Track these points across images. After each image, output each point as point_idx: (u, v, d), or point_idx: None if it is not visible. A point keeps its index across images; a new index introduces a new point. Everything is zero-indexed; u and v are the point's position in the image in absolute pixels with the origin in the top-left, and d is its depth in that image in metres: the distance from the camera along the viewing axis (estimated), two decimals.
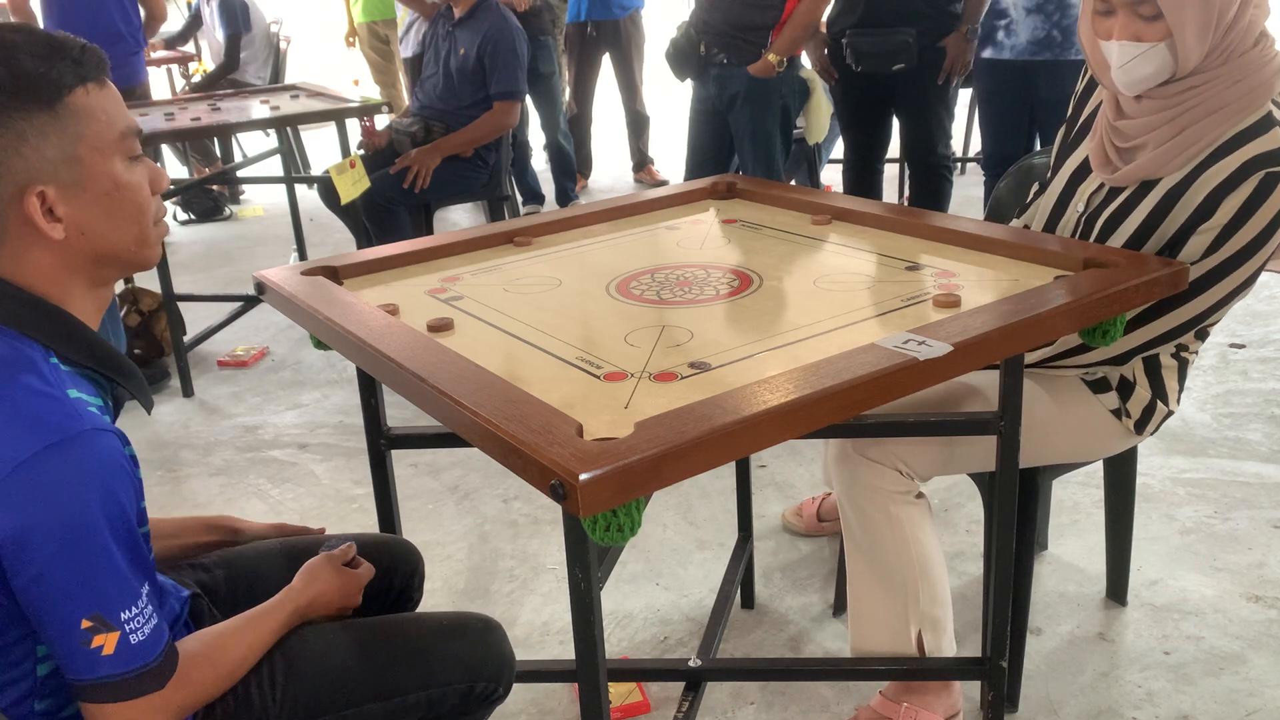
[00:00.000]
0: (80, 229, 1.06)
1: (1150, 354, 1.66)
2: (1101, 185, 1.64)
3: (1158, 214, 1.56)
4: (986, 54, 3.33)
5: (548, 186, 5.45)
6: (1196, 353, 1.73)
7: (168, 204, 4.68)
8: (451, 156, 3.73)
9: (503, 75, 3.68)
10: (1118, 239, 1.60)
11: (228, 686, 1.17)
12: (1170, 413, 1.73)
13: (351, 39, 6.40)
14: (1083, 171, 1.69)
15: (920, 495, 1.71)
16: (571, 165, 5.40)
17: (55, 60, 1.03)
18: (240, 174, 5.02)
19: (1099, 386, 1.69)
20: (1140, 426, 1.72)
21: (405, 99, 5.32)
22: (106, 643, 1.00)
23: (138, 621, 1.02)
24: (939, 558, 1.71)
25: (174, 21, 6.21)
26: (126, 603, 1.02)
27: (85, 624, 1.00)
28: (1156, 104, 1.54)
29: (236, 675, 1.18)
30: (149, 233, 1.12)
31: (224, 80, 5.43)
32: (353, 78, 6.10)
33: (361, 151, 3.82)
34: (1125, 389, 1.69)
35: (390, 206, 3.66)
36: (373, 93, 6.06)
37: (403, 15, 5.40)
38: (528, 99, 5.14)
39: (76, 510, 0.98)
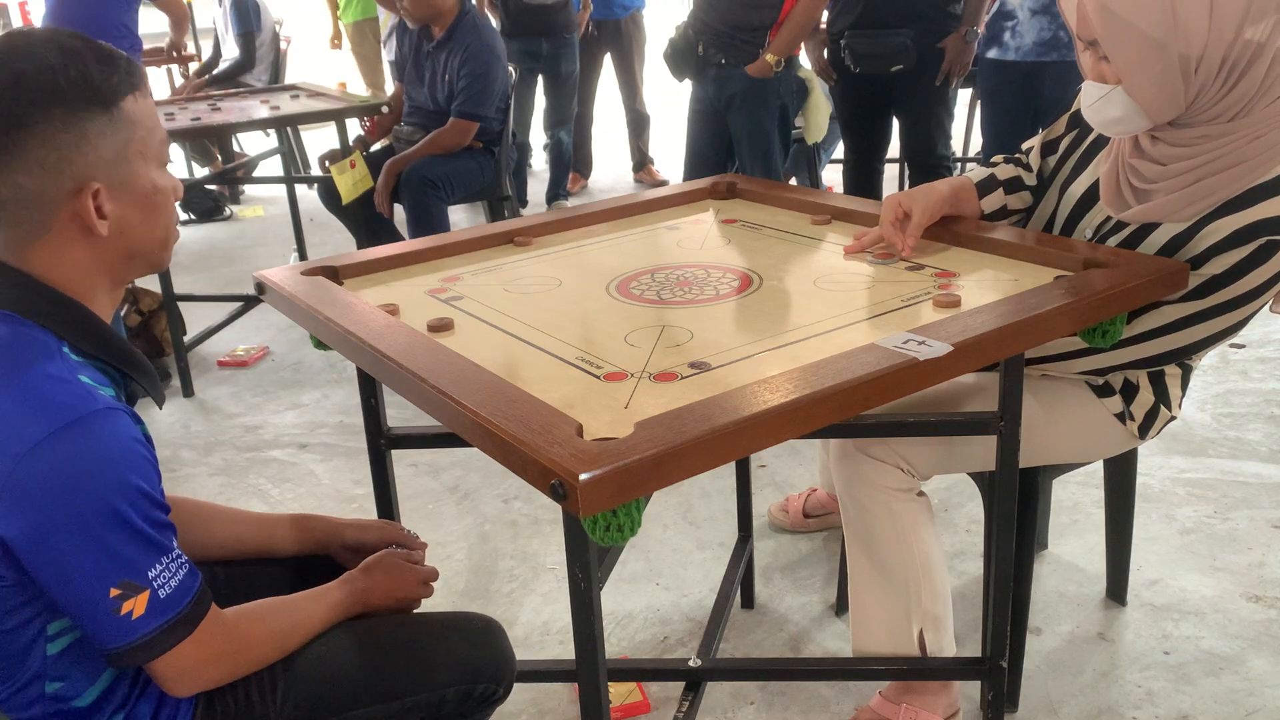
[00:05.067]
0: (120, 228, 1.11)
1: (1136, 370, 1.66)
2: (1109, 216, 1.61)
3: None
4: (992, 54, 3.33)
5: (545, 184, 5.44)
6: (1200, 359, 1.73)
7: None
8: (463, 150, 3.73)
9: (466, 95, 3.65)
10: None
11: (280, 651, 1.19)
12: (1173, 418, 1.73)
13: (337, 41, 6.38)
14: (1091, 198, 1.64)
15: (921, 494, 1.71)
16: (568, 163, 5.40)
17: (112, 67, 1.08)
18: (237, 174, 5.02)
19: (1103, 391, 1.69)
20: (1144, 430, 1.71)
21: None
22: (136, 605, 1.03)
23: (165, 576, 1.05)
24: (940, 556, 1.72)
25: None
26: (151, 560, 1.04)
27: (113, 593, 1.02)
28: (1173, 150, 1.50)
29: (289, 644, 1.21)
30: (171, 236, 1.18)
31: (234, 79, 5.39)
32: (339, 80, 6.06)
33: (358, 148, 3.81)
34: (1129, 393, 1.69)
35: (385, 219, 3.69)
36: (361, 93, 6.04)
37: (385, 18, 5.39)
38: (540, 91, 5.16)
39: (94, 487, 1.00)
